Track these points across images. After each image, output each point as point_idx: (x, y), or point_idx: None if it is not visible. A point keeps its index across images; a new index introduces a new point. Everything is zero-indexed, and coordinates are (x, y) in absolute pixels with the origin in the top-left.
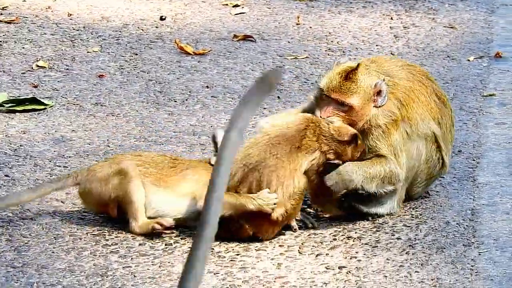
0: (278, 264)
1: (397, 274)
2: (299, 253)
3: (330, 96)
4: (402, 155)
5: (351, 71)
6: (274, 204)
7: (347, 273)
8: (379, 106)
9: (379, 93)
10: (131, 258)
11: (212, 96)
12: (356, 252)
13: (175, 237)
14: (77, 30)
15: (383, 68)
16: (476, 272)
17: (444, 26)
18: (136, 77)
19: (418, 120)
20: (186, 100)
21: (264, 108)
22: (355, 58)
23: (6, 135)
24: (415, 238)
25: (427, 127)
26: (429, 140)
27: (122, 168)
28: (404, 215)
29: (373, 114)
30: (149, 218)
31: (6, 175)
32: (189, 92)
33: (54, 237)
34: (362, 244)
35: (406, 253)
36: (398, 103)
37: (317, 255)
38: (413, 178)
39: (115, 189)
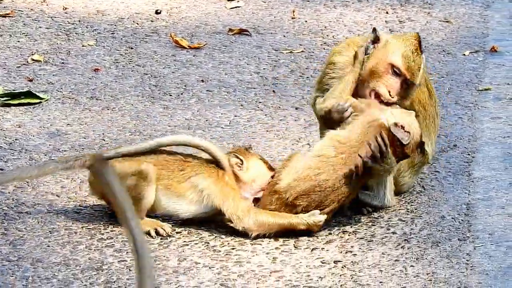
0: (273, 258)
1: (393, 269)
2: (295, 247)
3: (403, 73)
4: None
5: (419, 46)
6: (321, 223)
7: (342, 267)
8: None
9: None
10: (126, 252)
11: (207, 90)
12: (352, 247)
13: (170, 231)
14: (72, 23)
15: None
16: (471, 267)
17: (440, 20)
18: (131, 71)
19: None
20: (181, 94)
21: (260, 103)
22: None
23: (1, 129)
24: (410, 233)
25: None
26: None
27: (142, 170)
28: (400, 209)
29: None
30: (156, 217)
31: (1, 169)
32: (184, 86)
33: (50, 231)
34: (358, 238)
35: (401, 248)
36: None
37: (312, 250)
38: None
39: (130, 189)
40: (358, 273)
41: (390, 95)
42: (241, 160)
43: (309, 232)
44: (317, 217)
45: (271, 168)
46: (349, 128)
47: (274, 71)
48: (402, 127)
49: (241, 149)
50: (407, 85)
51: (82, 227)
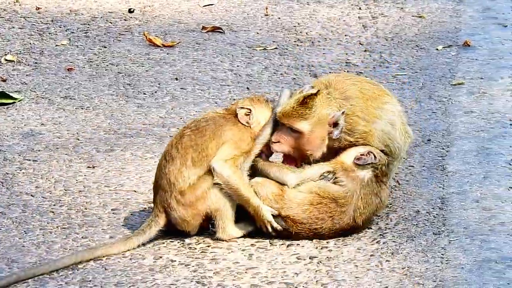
0: (249, 255)
1: (368, 264)
2: (270, 244)
3: (282, 121)
4: None
5: (308, 96)
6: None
7: (318, 263)
8: (334, 139)
9: (335, 124)
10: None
11: (181, 88)
12: (327, 242)
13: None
14: (46, 23)
15: (339, 90)
16: (446, 261)
17: (413, 16)
18: (105, 70)
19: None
20: (155, 92)
21: (234, 100)
22: (323, 49)
23: None
24: (385, 228)
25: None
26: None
27: None
28: None
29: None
30: None
31: None
32: (158, 84)
33: (24, 231)
34: None
35: (376, 243)
36: (362, 121)
37: (288, 246)
38: None
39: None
40: (334, 269)
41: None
42: (249, 109)
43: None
44: (279, 225)
45: None
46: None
47: (248, 68)
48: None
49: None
50: (294, 132)
51: (57, 227)
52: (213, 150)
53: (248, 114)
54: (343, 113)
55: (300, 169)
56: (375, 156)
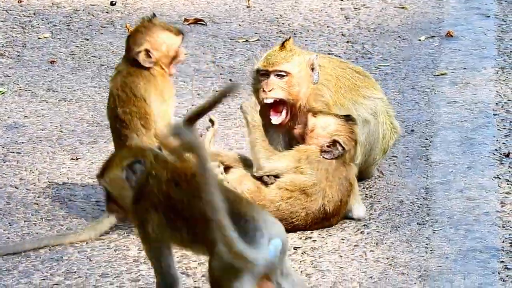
0: None
1: (352, 254)
2: None
3: (268, 69)
4: None
5: (284, 41)
6: None
7: (302, 253)
8: (314, 83)
9: (312, 68)
10: (86, 243)
11: None
12: (311, 233)
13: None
14: (28, 16)
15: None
16: (431, 250)
17: (395, 7)
18: (88, 62)
19: (350, 105)
20: None
21: (216, 91)
22: (306, 40)
23: None
24: (369, 218)
25: (366, 107)
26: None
27: None
28: (359, 194)
29: (307, 96)
30: None
31: None
32: None
33: (9, 223)
34: None
35: (361, 233)
36: (327, 90)
37: None
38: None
39: None
40: (318, 259)
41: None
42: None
43: None
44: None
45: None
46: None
47: (230, 60)
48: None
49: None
50: (282, 76)
51: (42, 219)
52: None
53: (148, 53)
54: (316, 56)
55: (276, 158)
56: (342, 147)
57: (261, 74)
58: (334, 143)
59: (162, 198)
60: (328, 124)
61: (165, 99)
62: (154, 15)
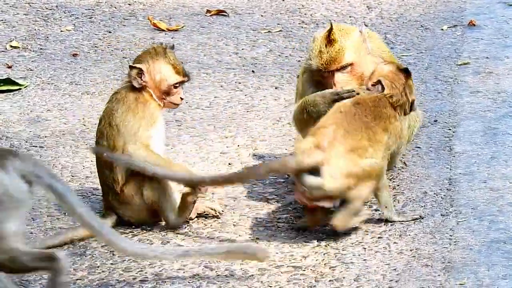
0: (256, 238)
1: (376, 246)
2: (277, 227)
3: (329, 70)
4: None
5: (328, 35)
6: None
7: (325, 246)
8: (369, 53)
9: (364, 40)
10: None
11: None
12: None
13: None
14: (50, 9)
15: None
16: (454, 242)
17: None
18: (110, 55)
19: None
20: None
21: (239, 83)
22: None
23: None
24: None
25: None
26: None
27: None
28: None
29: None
30: None
31: None
32: None
33: (32, 218)
34: None
35: (384, 225)
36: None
37: (295, 230)
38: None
39: None
40: (342, 251)
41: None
42: (140, 69)
43: None
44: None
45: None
46: None
47: (253, 51)
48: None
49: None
50: (345, 68)
51: (64, 214)
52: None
53: (141, 74)
54: (361, 28)
55: None
56: (382, 87)
57: (324, 74)
58: (378, 82)
59: None
60: (382, 69)
61: (141, 124)
62: (173, 47)
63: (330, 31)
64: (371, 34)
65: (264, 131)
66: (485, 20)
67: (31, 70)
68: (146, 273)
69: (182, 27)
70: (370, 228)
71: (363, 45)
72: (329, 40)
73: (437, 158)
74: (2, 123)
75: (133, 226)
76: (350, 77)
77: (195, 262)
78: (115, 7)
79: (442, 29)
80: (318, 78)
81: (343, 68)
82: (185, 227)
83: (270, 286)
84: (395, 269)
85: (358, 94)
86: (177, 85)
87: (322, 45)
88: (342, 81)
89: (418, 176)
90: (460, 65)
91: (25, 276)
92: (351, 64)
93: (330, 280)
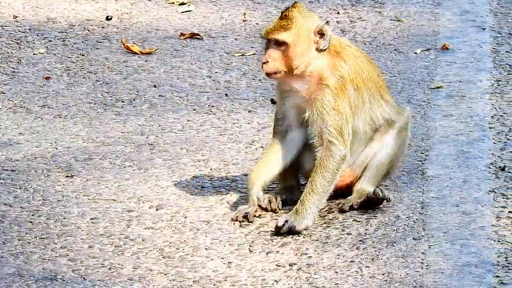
0: (228, 263)
1: (348, 270)
2: (250, 251)
3: (267, 37)
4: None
5: (286, 9)
6: None
7: (297, 270)
8: (321, 50)
9: (322, 35)
10: (81, 261)
11: (159, 96)
12: (307, 249)
13: (124, 238)
14: (23, 32)
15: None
16: (426, 266)
17: (391, 19)
18: (83, 78)
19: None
20: (134, 100)
21: (212, 106)
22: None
23: None
24: (365, 233)
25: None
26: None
27: None
28: (354, 210)
29: (317, 64)
30: None
31: None
32: (137, 92)
33: (3, 242)
34: (313, 240)
35: (356, 248)
36: (347, 65)
37: (267, 253)
38: None
39: None
40: (314, 275)
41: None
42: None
43: None
44: None
45: None
46: None
47: (227, 75)
48: None
49: None
50: (280, 44)
51: (36, 237)
52: None
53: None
54: (327, 22)
55: None
56: None
57: (265, 42)
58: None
59: None
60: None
61: None
62: None
63: (288, 7)
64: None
65: (237, 154)
66: (458, 43)
67: (3, 93)
68: None
69: (156, 50)
70: (342, 252)
71: (314, 36)
72: (284, 15)
73: (409, 182)
74: None
75: None
76: (280, 57)
77: (166, 287)
78: (88, 30)
79: (416, 53)
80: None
81: (278, 43)
82: (157, 251)
83: None
84: None
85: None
86: None
87: (277, 18)
88: (272, 56)
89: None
90: (433, 88)
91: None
92: (285, 43)
93: None
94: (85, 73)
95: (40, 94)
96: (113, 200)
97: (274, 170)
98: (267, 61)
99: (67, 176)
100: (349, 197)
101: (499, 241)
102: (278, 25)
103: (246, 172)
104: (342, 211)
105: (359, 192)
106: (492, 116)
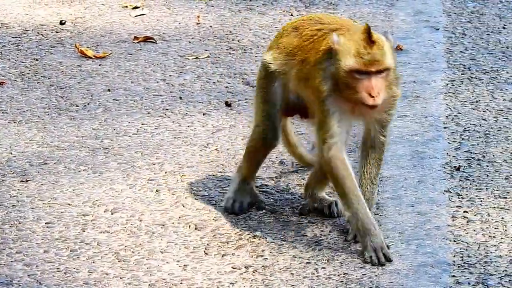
0: (184, 265)
1: (304, 271)
2: (205, 253)
3: (370, 70)
4: None
5: (369, 35)
6: None
7: (253, 272)
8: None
9: (399, 49)
10: (36, 266)
11: (114, 99)
12: (262, 251)
13: (79, 242)
14: None
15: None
16: (382, 266)
17: None
18: (37, 83)
19: None
20: (88, 104)
21: (167, 110)
22: (256, 56)
23: None
24: (321, 235)
25: None
26: None
27: None
28: (310, 213)
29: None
30: None
31: None
32: (91, 96)
33: None
34: (268, 242)
35: (312, 250)
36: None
37: (223, 255)
38: None
39: None
40: (269, 277)
41: (373, 95)
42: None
43: None
44: None
45: None
46: None
47: (181, 78)
48: None
49: None
50: (382, 72)
51: None
52: None
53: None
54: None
55: None
56: None
57: (356, 75)
58: None
59: None
60: None
61: None
62: None
63: (369, 31)
64: None
65: (192, 157)
66: (412, 44)
67: None
68: None
69: (109, 54)
70: (298, 253)
71: (394, 52)
72: (371, 40)
73: None
74: None
75: None
76: (383, 84)
77: None
78: (42, 35)
79: None
80: (346, 80)
81: (380, 72)
82: (112, 255)
83: None
84: None
85: None
86: None
87: (361, 45)
88: (379, 87)
89: None
90: None
91: None
92: (389, 69)
93: None
94: (39, 78)
95: None
96: (68, 204)
97: None
98: (378, 94)
99: (22, 181)
100: (304, 202)
101: (454, 241)
102: (378, 54)
103: (201, 175)
104: (300, 214)
105: (316, 199)
106: (446, 116)
